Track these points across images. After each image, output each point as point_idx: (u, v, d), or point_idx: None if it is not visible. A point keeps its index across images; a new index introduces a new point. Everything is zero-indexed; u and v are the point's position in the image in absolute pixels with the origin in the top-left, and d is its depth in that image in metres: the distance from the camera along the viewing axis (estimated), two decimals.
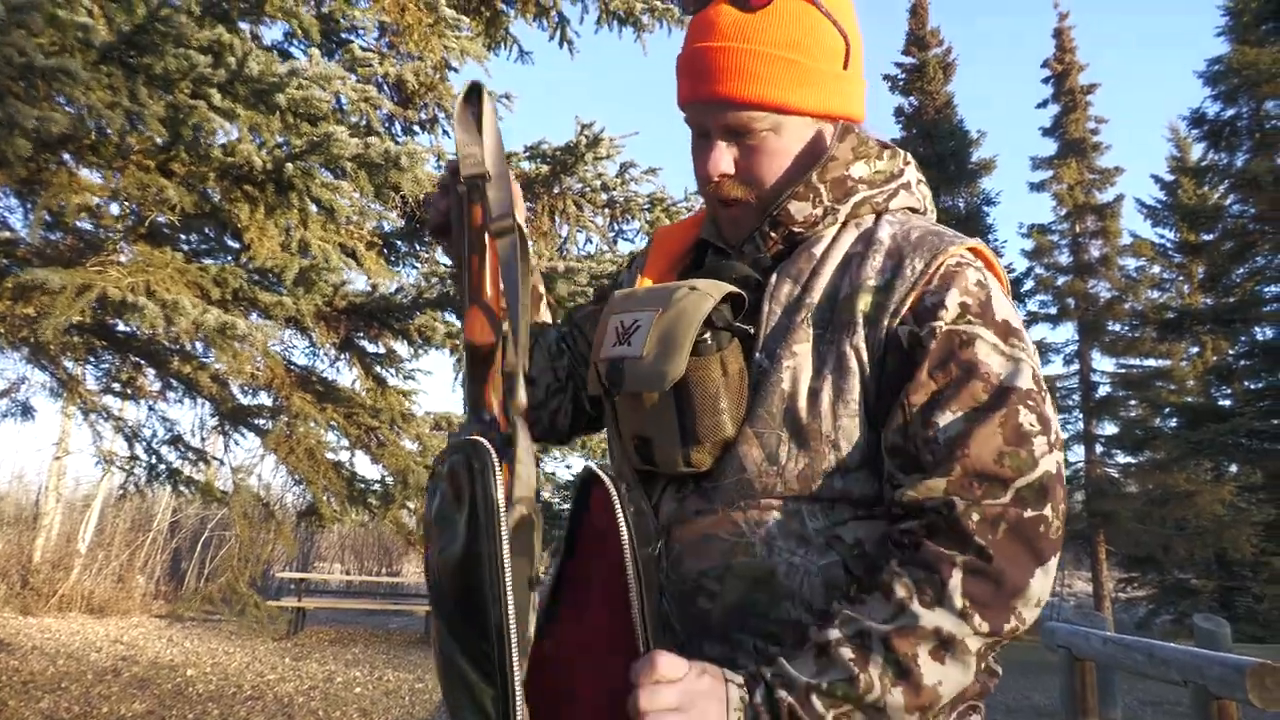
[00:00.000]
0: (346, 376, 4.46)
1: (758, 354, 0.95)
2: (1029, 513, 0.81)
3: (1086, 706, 5.62)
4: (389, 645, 11.14)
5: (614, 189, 4.82)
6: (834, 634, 0.81)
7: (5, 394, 6.38)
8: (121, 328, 4.20)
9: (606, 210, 5.04)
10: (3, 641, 8.68)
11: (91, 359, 5.08)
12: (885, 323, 0.90)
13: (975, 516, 0.81)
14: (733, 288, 0.96)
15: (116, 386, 6.22)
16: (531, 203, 5.11)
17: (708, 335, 0.92)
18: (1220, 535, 16.40)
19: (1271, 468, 12.95)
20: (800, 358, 0.92)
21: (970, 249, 0.94)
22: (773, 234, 1.00)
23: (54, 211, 2.97)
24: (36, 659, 7.90)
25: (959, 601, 0.79)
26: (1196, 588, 16.66)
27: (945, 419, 0.84)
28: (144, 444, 6.37)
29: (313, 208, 3.16)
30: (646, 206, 4.98)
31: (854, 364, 0.90)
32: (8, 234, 3.39)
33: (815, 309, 0.94)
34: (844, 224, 0.99)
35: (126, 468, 6.70)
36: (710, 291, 0.94)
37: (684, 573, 0.93)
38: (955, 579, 0.79)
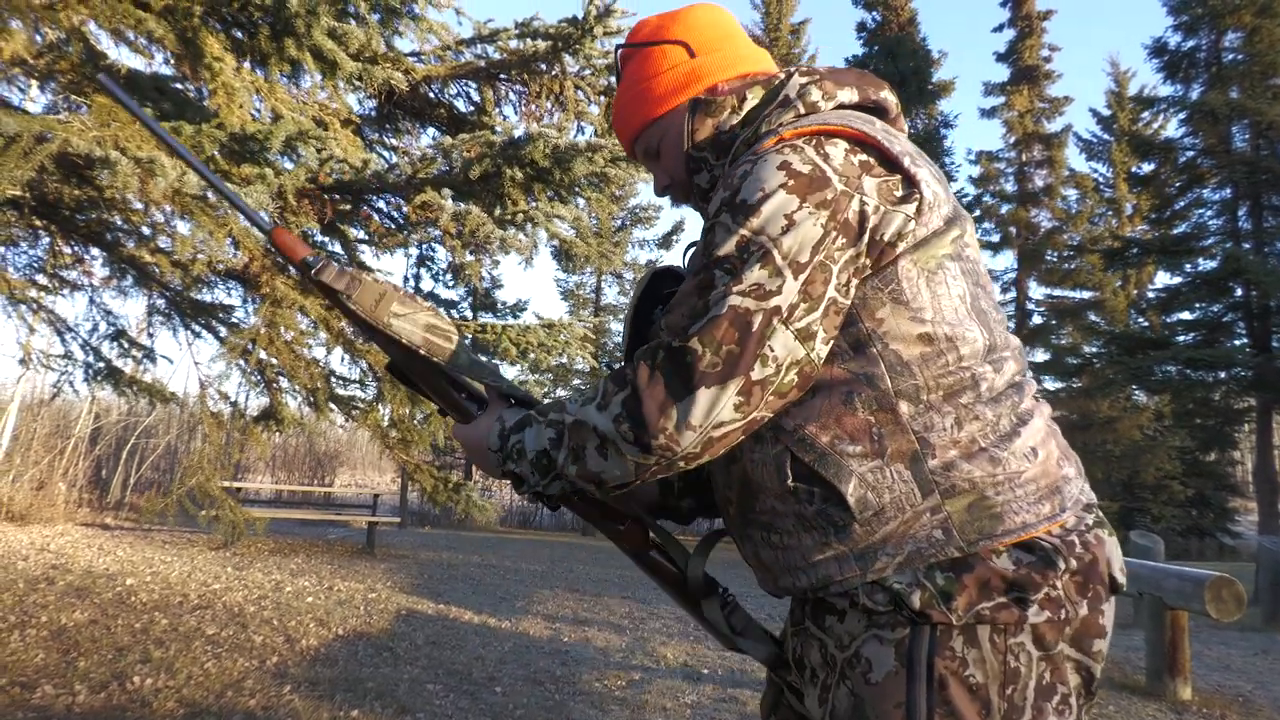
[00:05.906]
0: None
1: None
2: (676, 343, 0.96)
3: None
4: (332, 555, 10.85)
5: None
6: (550, 416, 1.07)
7: None
8: (66, 206, 3.70)
9: (603, 98, 4.66)
10: None
11: (25, 243, 4.54)
12: None
13: (643, 350, 1.00)
14: (656, 267, 1.24)
15: (42, 279, 5.64)
16: (523, 88, 4.70)
17: (657, 311, 1.16)
18: (1137, 460, 17.35)
19: (1201, 395, 13.54)
20: None
21: (779, 138, 1.01)
22: (703, 205, 1.18)
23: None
24: None
25: (615, 410, 0.98)
26: (1101, 508, 17.68)
27: None
28: (79, 340, 5.84)
29: (310, 61, 2.74)
30: None
31: None
32: None
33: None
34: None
35: (58, 367, 6.16)
36: (638, 285, 1.22)
37: (719, 490, 1.17)
38: (620, 395, 0.99)
